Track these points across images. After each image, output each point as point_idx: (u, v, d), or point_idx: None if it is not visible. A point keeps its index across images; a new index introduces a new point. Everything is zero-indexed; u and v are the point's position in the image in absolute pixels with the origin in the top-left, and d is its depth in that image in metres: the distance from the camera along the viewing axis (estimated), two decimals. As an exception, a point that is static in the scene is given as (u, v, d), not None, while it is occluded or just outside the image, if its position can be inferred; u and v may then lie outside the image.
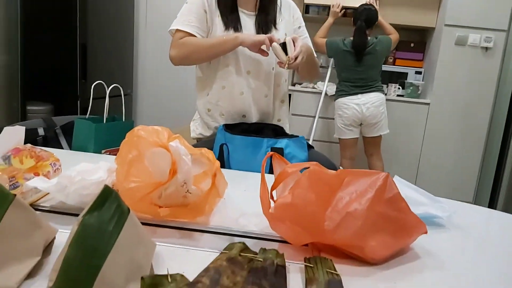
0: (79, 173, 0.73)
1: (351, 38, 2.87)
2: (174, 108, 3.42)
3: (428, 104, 3.37)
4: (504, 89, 3.28)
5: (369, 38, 2.84)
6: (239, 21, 1.34)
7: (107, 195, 0.52)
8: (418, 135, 3.41)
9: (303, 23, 1.51)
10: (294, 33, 1.44)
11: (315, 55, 1.49)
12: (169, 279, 0.47)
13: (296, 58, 1.20)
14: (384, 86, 3.18)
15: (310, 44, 1.45)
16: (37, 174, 0.76)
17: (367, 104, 2.85)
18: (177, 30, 1.33)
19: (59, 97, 2.73)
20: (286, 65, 1.21)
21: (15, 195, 0.52)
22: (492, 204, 3.25)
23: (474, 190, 3.43)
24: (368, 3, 2.98)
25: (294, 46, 1.21)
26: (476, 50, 3.30)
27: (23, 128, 0.77)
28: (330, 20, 3.14)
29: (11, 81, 2.41)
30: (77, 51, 2.68)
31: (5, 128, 0.73)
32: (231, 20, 1.32)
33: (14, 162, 0.75)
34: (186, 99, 3.39)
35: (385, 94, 3.02)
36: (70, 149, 1.37)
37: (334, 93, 3.26)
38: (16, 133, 0.76)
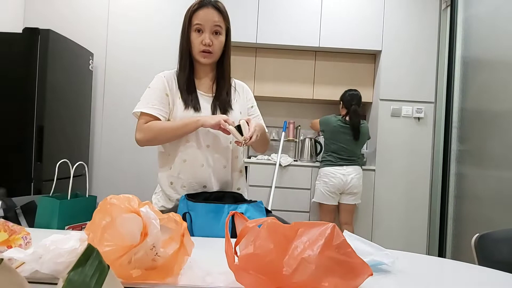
0: (53, 243, 0.78)
1: (341, 116, 3.30)
2: (132, 185, 3.42)
3: (374, 170, 3.64)
4: (438, 152, 3.63)
5: None
6: (198, 102, 1.48)
7: (90, 253, 0.58)
8: (369, 199, 3.62)
9: (255, 103, 1.69)
10: (247, 112, 1.61)
11: (267, 131, 1.65)
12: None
13: (251, 137, 1.34)
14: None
15: (262, 122, 1.62)
16: (10, 247, 0.79)
17: (351, 175, 3.22)
18: (142, 113, 1.45)
19: (12, 179, 2.68)
20: (243, 144, 1.35)
21: (2, 259, 0.57)
22: (441, 255, 3.43)
23: (426, 243, 3.62)
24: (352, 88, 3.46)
25: (248, 126, 1.37)
26: (410, 120, 3.69)
27: (-2, 203, 0.82)
28: None
29: (-38, 165, 2.36)
30: (33, 133, 2.70)
31: (-17, 202, 0.77)
32: (191, 100, 1.46)
33: (-13, 236, 0.78)
34: (145, 173, 3.42)
35: (362, 168, 3.39)
36: (30, 227, 1.37)
37: (287, 163, 3.48)
38: (-9, 207, 0.80)
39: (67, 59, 3.05)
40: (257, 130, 1.38)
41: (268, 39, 3.71)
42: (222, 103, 1.52)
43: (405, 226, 3.63)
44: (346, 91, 3.41)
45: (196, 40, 1.46)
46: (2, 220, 0.83)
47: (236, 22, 3.64)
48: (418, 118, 3.68)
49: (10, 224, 0.83)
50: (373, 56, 3.89)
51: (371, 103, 3.90)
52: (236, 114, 1.52)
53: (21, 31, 2.77)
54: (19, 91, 2.73)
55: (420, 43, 3.69)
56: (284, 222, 1.31)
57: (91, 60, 3.42)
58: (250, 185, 3.60)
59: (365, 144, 3.83)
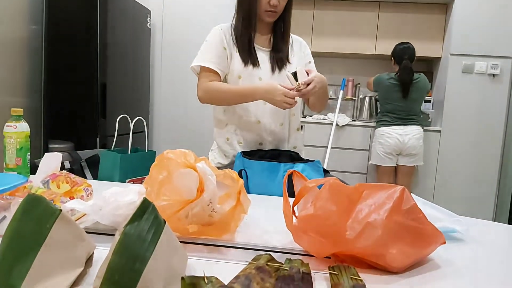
0: (112, 195, 0.78)
1: (394, 73, 3.06)
2: (190, 141, 3.50)
3: (440, 131, 3.40)
4: (514, 113, 3.30)
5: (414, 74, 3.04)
6: (257, 58, 1.42)
7: (146, 207, 0.56)
8: (432, 161, 3.42)
9: (313, 59, 1.59)
10: (305, 67, 1.52)
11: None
12: (206, 281, 0.50)
13: (308, 85, 1.26)
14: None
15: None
16: (72, 198, 0.81)
17: (409, 135, 3.02)
18: (202, 68, 1.42)
19: (79, 135, 2.83)
20: (296, 89, 1.27)
21: (61, 210, 0.57)
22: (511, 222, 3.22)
23: (493, 210, 3.39)
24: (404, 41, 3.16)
25: (308, 75, 1.28)
26: (483, 77, 3.36)
27: (60, 155, 0.83)
28: None
29: (35, 121, 2.52)
30: (97, 90, 2.81)
31: (45, 154, 0.79)
32: (249, 55, 1.41)
33: (52, 187, 0.80)
34: (202, 131, 3.47)
35: (423, 128, 3.15)
36: (94, 179, 1.43)
37: (345, 123, 3.35)
38: (54, 159, 0.82)
39: (126, 17, 3.09)
40: (316, 81, 1.29)
41: (327, -10, 3.48)
42: (279, 57, 1.46)
43: (471, 192, 3.40)
44: (397, 45, 3.16)
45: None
46: (65, 172, 0.86)
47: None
48: (493, 75, 3.34)
49: (72, 175, 0.85)
50: (443, 6, 3.52)
51: (440, 58, 3.58)
52: (293, 69, 1.44)
53: (82, -10, 2.82)
54: (82, 49, 2.82)
55: (501, -10, 3.27)
56: (345, 183, 1.25)
57: (148, 18, 3.44)
58: (305, 145, 3.53)
59: (431, 103, 3.57)
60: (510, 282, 0.66)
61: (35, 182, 0.78)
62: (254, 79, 1.41)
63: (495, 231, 0.99)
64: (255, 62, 1.42)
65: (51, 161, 0.81)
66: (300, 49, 1.55)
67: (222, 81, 1.45)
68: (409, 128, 3.05)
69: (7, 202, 0.71)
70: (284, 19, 1.46)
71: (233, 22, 1.48)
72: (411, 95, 3.03)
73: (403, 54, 3.05)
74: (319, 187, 0.69)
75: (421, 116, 3.20)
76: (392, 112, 3.07)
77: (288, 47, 1.50)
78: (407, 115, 3.06)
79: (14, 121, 1.12)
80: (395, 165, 3.14)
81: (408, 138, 3.03)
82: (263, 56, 1.46)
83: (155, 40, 3.58)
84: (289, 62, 1.48)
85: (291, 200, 0.73)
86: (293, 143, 1.53)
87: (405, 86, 3.01)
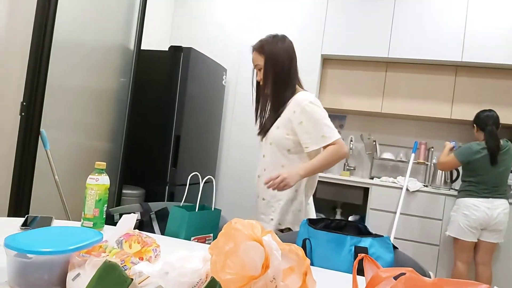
0: (179, 260, 0.79)
1: (482, 142, 2.91)
2: (252, 199, 3.52)
3: (525, 205, 3.08)
4: None
5: (501, 141, 2.87)
6: None
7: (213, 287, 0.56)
8: (515, 240, 3.07)
9: (307, 118, 1.58)
10: (292, 127, 1.61)
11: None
12: None
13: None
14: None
15: (311, 140, 1.58)
16: (141, 259, 0.83)
17: (498, 209, 2.80)
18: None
19: (151, 182, 2.98)
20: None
21: (132, 279, 0.59)
22: None
23: None
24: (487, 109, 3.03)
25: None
26: None
27: (135, 216, 0.88)
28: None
29: (114, 166, 2.71)
30: (171, 141, 2.97)
31: (123, 215, 0.84)
32: None
33: (125, 246, 0.84)
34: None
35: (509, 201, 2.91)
36: (161, 233, 1.47)
37: (416, 188, 3.17)
38: (130, 220, 0.86)
39: (204, 74, 3.30)
40: (271, 183, 1.50)
41: (401, 53, 3.46)
42: (263, 129, 1.71)
43: None
44: (479, 112, 2.99)
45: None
46: (137, 231, 0.89)
47: (367, 36, 3.52)
48: None
49: (144, 235, 0.88)
50: (527, 72, 3.32)
51: (524, 126, 3.33)
52: (273, 131, 1.64)
53: (167, 49, 3.09)
54: (162, 102, 3.04)
55: None
56: (417, 268, 1.16)
57: (224, 76, 3.65)
58: (372, 209, 3.38)
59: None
60: None
61: (110, 242, 0.82)
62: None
63: None
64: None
65: (127, 222, 0.85)
66: (290, 108, 1.62)
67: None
68: (498, 201, 2.80)
69: (83, 260, 0.75)
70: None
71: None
72: (500, 164, 2.82)
73: (487, 121, 2.89)
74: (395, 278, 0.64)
75: (508, 188, 2.93)
76: (480, 182, 2.86)
77: (274, 118, 1.65)
78: (495, 186, 2.83)
79: (96, 174, 1.21)
80: (476, 240, 2.87)
81: (497, 212, 2.78)
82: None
83: (228, 97, 3.77)
84: (268, 131, 1.67)
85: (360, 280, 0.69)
86: (262, 194, 1.69)
87: (493, 153, 2.81)
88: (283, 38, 1.68)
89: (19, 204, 1.86)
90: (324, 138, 1.56)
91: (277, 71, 1.63)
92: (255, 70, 1.70)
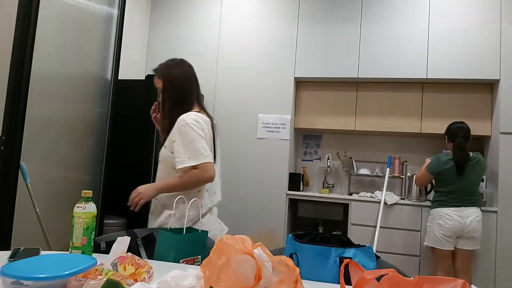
0: (173, 279, 0.82)
1: (448, 151, 3.08)
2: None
3: (496, 212, 3.23)
4: None
5: (470, 153, 3.00)
6: None
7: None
8: (490, 245, 3.20)
9: (181, 137, 1.64)
10: (171, 145, 1.69)
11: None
12: None
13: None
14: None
15: (180, 159, 1.64)
16: (136, 280, 0.86)
17: (470, 217, 2.91)
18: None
19: (132, 211, 2.95)
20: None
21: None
22: None
23: None
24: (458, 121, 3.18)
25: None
26: (539, 155, 3.22)
27: (129, 238, 0.90)
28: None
29: (94, 196, 2.68)
30: (151, 169, 2.98)
31: (118, 238, 0.86)
32: None
33: (119, 269, 0.86)
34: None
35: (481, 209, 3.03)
36: (148, 258, 1.48)
37: (393, 202, 3.27)
38: (123, 242, 0.89)
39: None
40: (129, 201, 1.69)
41: (370, 73, 3.63)
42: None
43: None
44: (450, 124, 3.15)
45: None
46: (130, 254, 0.91)
47: (337, 58, 3.68)
48: (550, 154, 3.20)
49: (137, 258, 0.91)
50: (489, 86, 3.54)
51: (490, 136, 3.51)
52: (162, 150, 1.77)
53: (143, 78, 3.14)
54: (140, 129, 3.06)
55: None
56: (402, 273, 1.22)
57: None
58: (352, 224, 3.45)
59: (484, 182, 3.43)
60: None
61: (106, 265, 0.84)
62: None
63: None
64: None
65: (121, 245, 0.88)
66: (173, 132, 1.70)
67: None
68: (469, 210, 2.92)
69: (80, 284, 0.77)
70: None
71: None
72: (470, 175, 2.95)
73: (457, 133, 3.04)
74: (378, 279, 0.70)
75: (479, 196, 3.06)
76: (451, 192, 2.98)
77: (164, 138, 1.77)
78: (467, 195, 2.95)
79: (83, 202, 1.23)
80: (453, 248, 2.96)
81: (470, 220, 2.89)
82: None
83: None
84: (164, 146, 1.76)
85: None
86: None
87: (459, 165, 2.95)
88: (181, 61, 1.82)
89: (0, 238, 1.82)
90: (189, 160, 1.61)
91: (174, 93, 1.75)
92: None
